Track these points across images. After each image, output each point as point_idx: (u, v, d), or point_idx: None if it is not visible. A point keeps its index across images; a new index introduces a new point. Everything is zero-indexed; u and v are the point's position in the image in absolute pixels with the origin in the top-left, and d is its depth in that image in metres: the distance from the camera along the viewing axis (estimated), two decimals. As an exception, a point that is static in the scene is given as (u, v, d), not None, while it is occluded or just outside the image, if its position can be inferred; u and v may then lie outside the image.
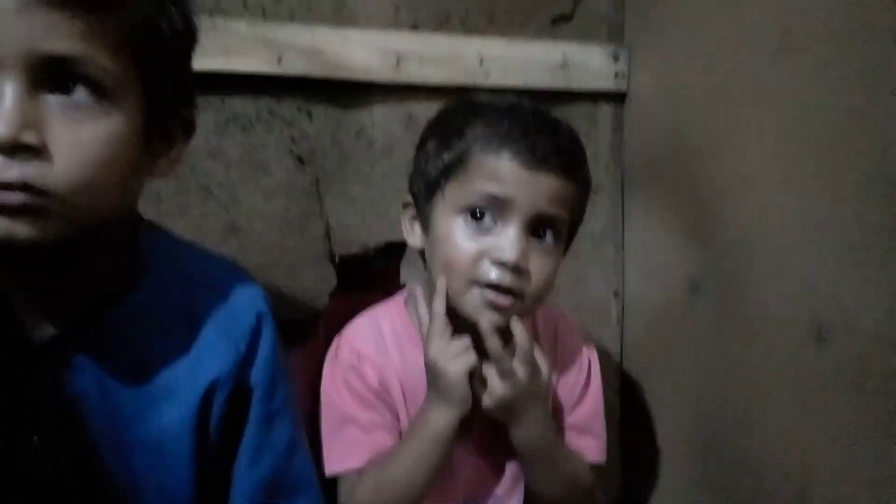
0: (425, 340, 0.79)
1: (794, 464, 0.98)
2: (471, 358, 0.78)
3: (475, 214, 0.77)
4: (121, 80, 0.56)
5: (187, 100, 0.67)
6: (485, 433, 0.86)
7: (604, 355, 1.03)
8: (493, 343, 0.78)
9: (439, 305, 0.78)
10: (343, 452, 0.84)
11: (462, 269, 0.77)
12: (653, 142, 1.21)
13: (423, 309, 0.82)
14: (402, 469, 0.79)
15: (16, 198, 0.52)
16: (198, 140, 0.98)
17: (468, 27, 1.15)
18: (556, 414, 0.90)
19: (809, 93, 0.92)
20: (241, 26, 0.98)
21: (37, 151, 0.52)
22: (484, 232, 0.77)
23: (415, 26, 1.12)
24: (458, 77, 1.12)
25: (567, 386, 0.92)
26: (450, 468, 0.85)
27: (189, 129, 0.67)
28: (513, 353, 0.79)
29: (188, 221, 1.00)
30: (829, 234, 0.90)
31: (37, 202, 0.52)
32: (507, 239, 0.76)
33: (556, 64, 1.19)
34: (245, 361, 0.70)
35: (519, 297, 0.78)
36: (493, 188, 0.76)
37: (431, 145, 0.82)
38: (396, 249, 1.15)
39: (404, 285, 1.13)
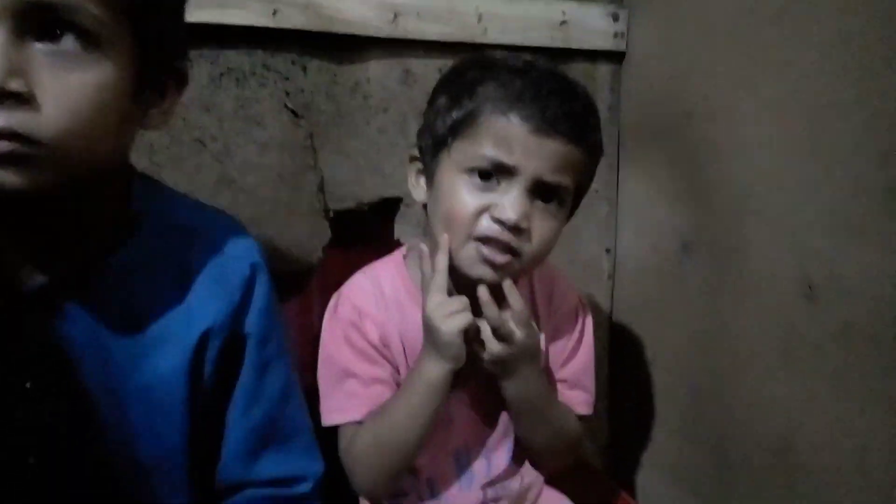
0: (424, 295, 0.80)
1: (778, 419, 1.00)
2: (467, 317, 0.78)
3: (481, 174, 0.77)
4: (110, 29, 0.55)
5: (180, 51, 0.66)
6: (479, 387, 0.88)
7: (594, 310, 1.04)
8: (490, 310, 0.78)
9: (441, 261, 0.78)
10: (342, 404, 0.85)
11: (462, 224, 0.77)
12: (650, 102, 1.21)
13: (426, 266, 0.81)
14: (398, 419, 0.81)
15: (2, 146, 0.52)
16: (191, 93, 0.99)
17: (467, -18, 1.13)
18: (549, 368, 0.91)
19: (807, 56, 0.92)
20: (236, -23, 0.97)
21: (24, 99, 0.52)
22: (487, 190, 0.77)
23: (412, -20, 1.10)
24: (456, 33, 1.11)
25: (560, 342, 0.93)
26: (445, 419, 0.87)
27: (182, 81, 0.66)
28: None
29: (181, 174, 0.99)
30: (821, 194, 0.91)
31: (24, 150, 0.52)
32: (509, 198, 0.76)
33: (555, 22, 1.18)
34: (239, 310, 0.71)
35: (517, 255, 0.78)
36: (499, 153, 0.75)
37: (442, 101, 0.81)
38: (391, 205, 1.15)
39: (398, 241, 1.15)
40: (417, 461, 0.87)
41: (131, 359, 0.67)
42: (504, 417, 0.91)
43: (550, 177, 0.76)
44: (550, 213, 0.79)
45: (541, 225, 0.78)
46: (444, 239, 0.78)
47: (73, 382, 0.65)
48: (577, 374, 0.93)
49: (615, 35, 1.23)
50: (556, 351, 0.93)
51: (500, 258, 0.77)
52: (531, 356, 0.82)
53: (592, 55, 1.24)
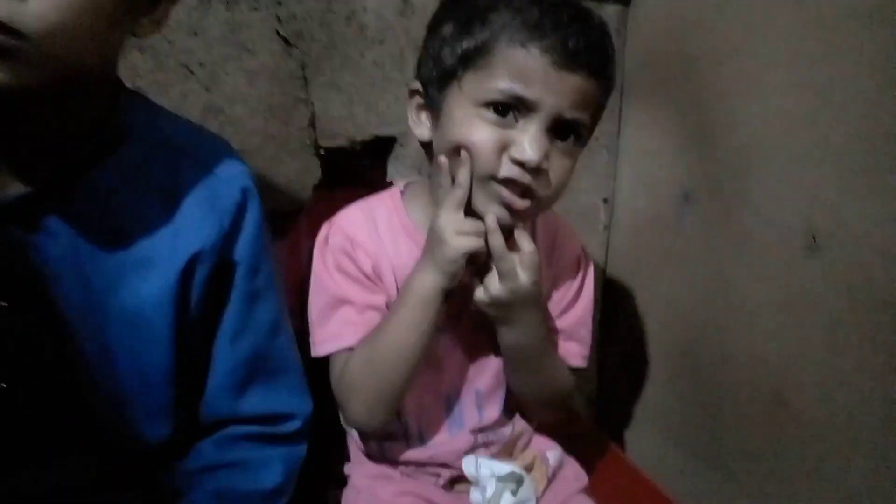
0: (439, 206, 0.76)
1: (773, 370, 1.00)
2: (478, 241, 0.74)
3: (496, 108, 0.72)
4: None
5: None
6: (472, 327, 0.85)
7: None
8: (496, 239, 0.74)
9: (464, 175, 0.73)
10: (336, 331, 0.81)
11: (480, 162, 0.73)
12: (656, 46, 1.17)
13: (445, 179, 0.76)
14: (390, 337, 0.77)
15: None
16: (178, 14, 0.94)
17: None
18: (546, 318, 0.88)
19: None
20: None
21: None
22: (504, 125, 0.72)
23: None
24: (458, -38, 1.06)
25: (559, 292, 0.90)
26: (435, 360, 0.84)
27: None
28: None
29: (166, 100, 0.94)
30: (832, 143, 0.88)
31: (8, 42, 0.49)
32: (528, 136, 0.71)
33: (560, -41, 1.12)
34: (229, 236, 0.68)
35: (535, 198, 0.74)
36: (518, 88, 0.70)
37: (448, 29, 0.75)
38: (384, 145, 1.12)
39: (391, 183, 1.10)
40: (406, 404, 0.85)
41: (114, 280, 0.64)
42: (497, 365, 0.89)
43: (570, 113, 0.72)
44: (567, 151, 0.75)
45: (559, 164, 0.74)
46: (465, 155, 0.73)
47: (49, 302, 0.62)
48: (575, 325, 0.90)
49: (623, -26, 1.18)
50: (555, 301, 0.90)
51: (520, 202, 0.74)
52: (533, 303, 0.79)
53: (599, -4, 1.19)
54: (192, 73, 0.97)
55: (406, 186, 0.89)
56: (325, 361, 0.83)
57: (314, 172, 1.07)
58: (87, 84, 0.59)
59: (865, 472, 0.88)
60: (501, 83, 0.71)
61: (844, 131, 0.87)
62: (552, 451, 0.93)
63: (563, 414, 0.95)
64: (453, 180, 0.75)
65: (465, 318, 0.85)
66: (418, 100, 0.80)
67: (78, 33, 0.52)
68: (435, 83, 0.77)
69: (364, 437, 0.90)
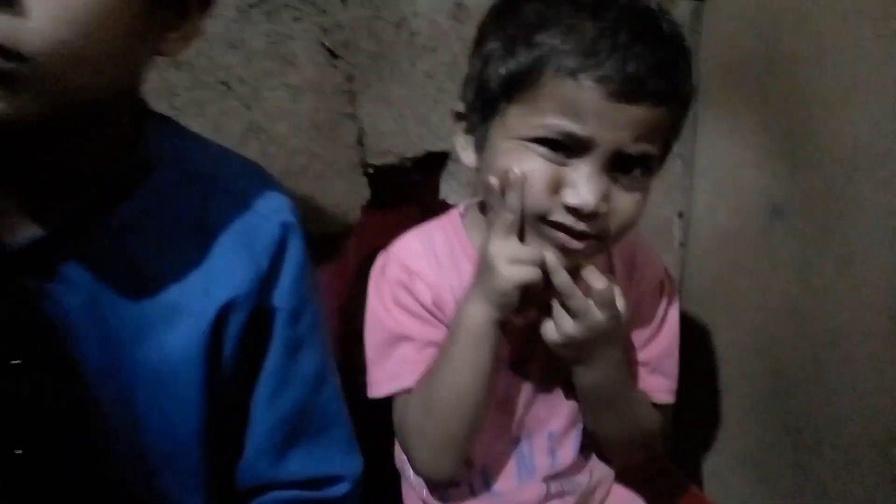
0: (491, 232, 0.68)
1: (882, 408, 0.89)
2: (535, 272, 0.66)
3: (547, 144, 0.63)
4: None
5: None
6: (543, 363, 0.77)
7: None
8: (561, 278, 0.66)
9: (514, 199, 0.64)
10: (395, 371, 0.75)
11: (529, 200, 0.64)
12: (737, 43, 1.07)
13: (506, 200, 0.66)
14: (445, 377, 0.71)
15: None
16: (216, 27, 0.90)
17: None
18: (627, 350, 0.80)
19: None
20: None
21: (8, 3, 0.42)
22: (555, 160, 0.63)
23: None
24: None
25: (642, 321, 0.81)
26: (502, 399, 0.78)
27: (206, 0, 0.56)
28: (583, 290, 0.68)
29: (204, 119, 0.90)
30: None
31: (7, 67, 0.43)
32: (582, 178, 0.62)
33: (627, -49, 1.03)
34: (267, 279, 0.61)
35: (596, 238, 0.66)
36: (569, 125, 0.61)
37: (494, 46, 0.66)
38: (437, 160, 1.05)
39: (444, 202, 1.05)
40: (472, 449, 0.77)
41: (138, 332, 0.57)
42: (571, 403, 0.81)
43: (633, 147, 0.63)
44: (634, 185, 0.65)
45: (623, 200, 0.65)
46: (515, 175, 0.64)
47: (69, 359, 0.56)
48: (659, 356, 0.82)
49: (697, -35, 1.08)
50: (637, 330, 0.82)
51: (577, 245, 0.65)
52: (613, 340, 0.71)
53: (670, -11, 1.10)
54: (231, 89, 0.92)
55: (466, 209, 0.82)
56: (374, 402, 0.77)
57: (362, 192, 1.01)
58: (104, 113, 0.53)
59: None
60: (549, 119, 0.62)
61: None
62: (635, 506, 0.85)
63: (647, 456, 0.86)
64: None
65: (533, 351, 0.77)
66: (463, 124, 0.72)
67: (90, 53, 0.46)
68: (478, 110, 0.68)
69: (430, 484, 0.82)
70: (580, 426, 0.82)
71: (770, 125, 1.01)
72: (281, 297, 0.61)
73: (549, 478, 0.81)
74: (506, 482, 0.81)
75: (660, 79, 0.61)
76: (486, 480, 0.81)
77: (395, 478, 0.87)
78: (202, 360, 0.58)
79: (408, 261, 0.77)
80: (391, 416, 0.78)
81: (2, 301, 0.53)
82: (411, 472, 0.81)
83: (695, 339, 1.21)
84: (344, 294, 0.97)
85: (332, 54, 0.95)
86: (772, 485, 1.08)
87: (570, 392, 0.79)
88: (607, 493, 0.86)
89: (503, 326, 0.70)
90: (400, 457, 0.84)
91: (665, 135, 0.66)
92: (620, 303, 0.69)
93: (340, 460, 0.67)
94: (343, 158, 0.99)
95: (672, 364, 0.83)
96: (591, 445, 0.84)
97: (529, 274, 0.66)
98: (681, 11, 1.11)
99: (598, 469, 0.85)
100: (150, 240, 0.58)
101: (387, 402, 0.77)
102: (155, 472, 0.60)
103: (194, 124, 0.83)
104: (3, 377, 0.53)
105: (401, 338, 0.75)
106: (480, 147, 0.69)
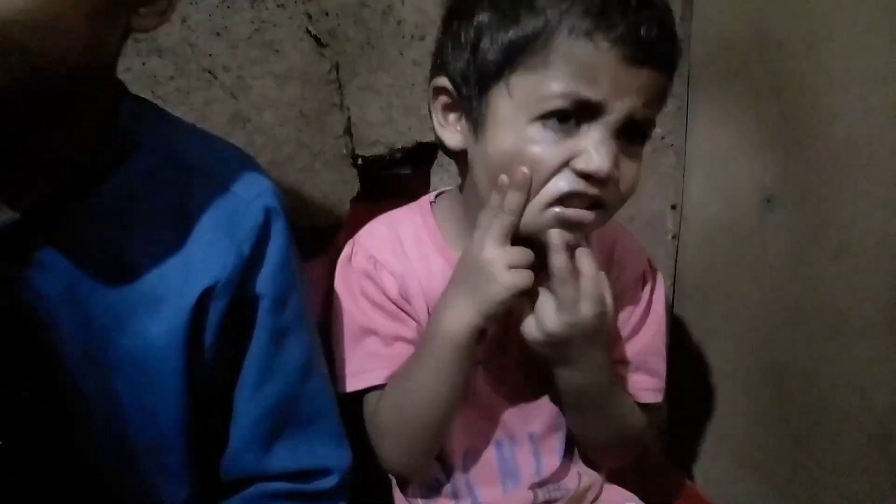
0: (482, 234, 0.65)
1: (879, 401, 0.87)
2: (530, 277, 0.64)
3: (558, 117, 0.61)
4: None
5: None
6: (522, 362, 0.75)
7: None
8: (560, 260, 0.63)
9: (518, 200, 0.62)
10: (363, 365, 0.73)
11: (539, 182, 0.62)
12: (728, 30, 1.05)
13: (494, 199, 0.64)
14: (420, 383, 0.68)
15: None
16: (200, 14, 0.89)
17: None
18: (610, 347, 0.76)
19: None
20: None
21: None
22: (566, 134, 0.61)
23: None
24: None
25: (624, 315, 0.78)
26: (477, 396, 0.75)
27: None
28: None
29: (189, 109, 0.88)
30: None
31: None
32: (595, 143, 0.60)
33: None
34: (249, 265, 0.58)
35: (601, 208, 0.63)
36: (581, 87, 0.59)
37: (485, 17, 0.63)
38: (427, 152, 1.03)
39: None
40: (451, 451, 0.75)
41: (117, 319, 0.56)
42: (553, 403, 0.78)
43: (642, 113, 0.61)
44: (636, 154, 0.64)
45: (628, 168, 0.63)
46: (522, 174, 0.62)
47: (45, 346, 0.54)
48: (643, 353, 0.78)
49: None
50: (620, 323, 0.78)
51: (587, 216, 0.63)
52: (596, 340, 0.67)
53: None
54: (215, 78, 0.90)
55: (437, 197, 0.79)
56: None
57: (351, 184, 0.99)
58: (77, 91, 0.51)
59: None
60: (561, 85, 0.59)
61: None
62: (629, 504, 0.82)
63: (632, 457, 0.83)
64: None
65: (509, 349, 0.74)
66: (445, 99, 0.68)
67: (53, 22, 0.44)
68: (472, 83, 0.64)
69: (403, 485, 0.79)
70: (564, 429, 0.79)
71: (762, 115, 1.00)
72: (264, 283, 0.59)
73: (536, 485, 0.77)
74: (491, 490, 0.77)
75: (667, 44, 0.61)
76: (469, 488, 0.77)
77: (385, 474, 0.85)
78: (183, 348, 0.57)
79: (374, 250, 0.74)
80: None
81: (-25, 287, 0.51)
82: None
83: (688, 332, 1.19)
84: (333, 289, 0.95)
85: (319, 42, 0.93)
86: (767, 482, 1.06)
87: (552, 390, 0.75)
88: (599, 494, 0.82)
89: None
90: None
91: (663, 102, 0.65)
92: (608, 300, 0.66)
93: (328, 453, 0.65)
94: (331, 149, 0.97)
95: (659, 361, 0.80)
96: (576, 448, 0.81)
97: (527, 279, 0.64)
98: None
99: (587, 473, 0.81)
100: (128, 225, 0.56)
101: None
102: (136, 461, 0.58)
103: (178, 113, 0.81)
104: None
105: (368, 331, 0.73)
106: (474, 125, 0.65)
